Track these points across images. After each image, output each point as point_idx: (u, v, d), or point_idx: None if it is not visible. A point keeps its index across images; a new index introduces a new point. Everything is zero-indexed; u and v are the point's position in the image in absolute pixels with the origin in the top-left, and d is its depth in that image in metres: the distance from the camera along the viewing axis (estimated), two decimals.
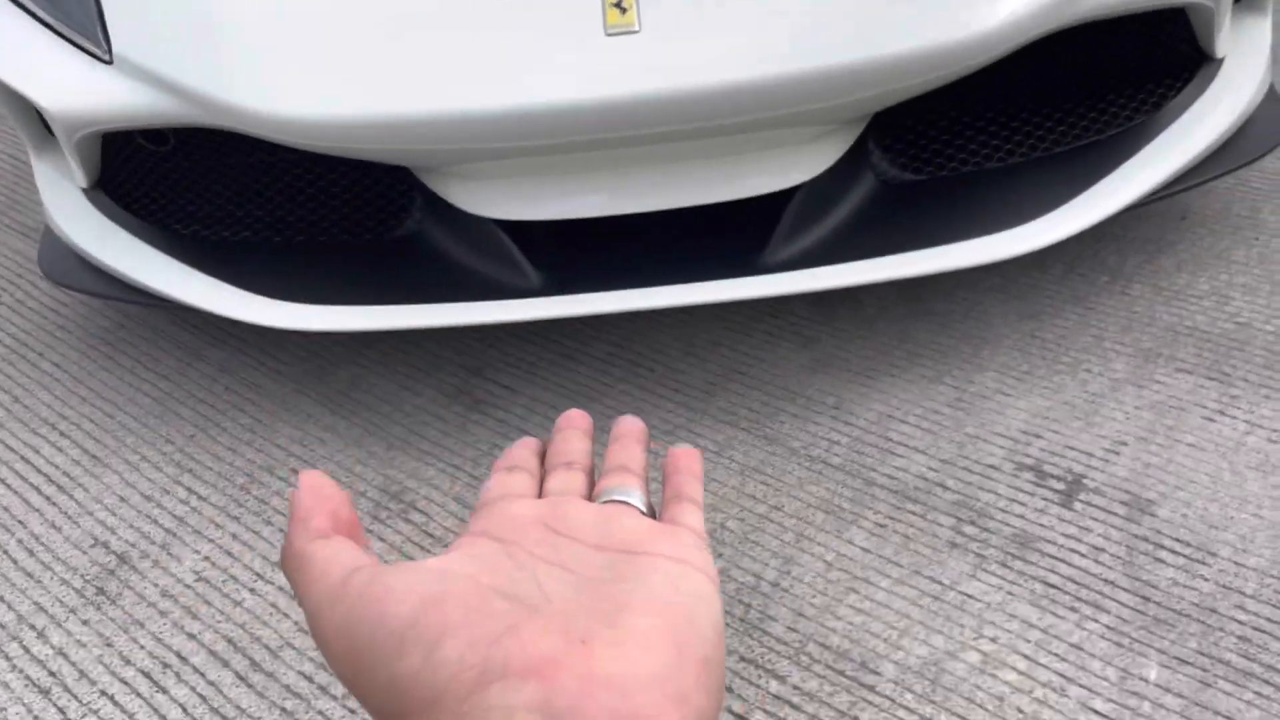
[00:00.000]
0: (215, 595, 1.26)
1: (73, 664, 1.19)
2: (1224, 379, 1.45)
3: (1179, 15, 1.48)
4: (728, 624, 1.16)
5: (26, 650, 1.21)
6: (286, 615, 1.22)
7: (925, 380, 1.51)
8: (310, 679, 1.14)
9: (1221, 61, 1.53)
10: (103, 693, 1.15)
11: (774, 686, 1.09)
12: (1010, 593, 1.16)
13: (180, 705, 1.12)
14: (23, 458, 1.52)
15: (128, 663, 1.18)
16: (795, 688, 1.08)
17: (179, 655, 1.18)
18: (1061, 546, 1.21)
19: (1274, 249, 1.72)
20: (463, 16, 1.29)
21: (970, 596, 1.16)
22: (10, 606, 1.27)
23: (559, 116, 1.24)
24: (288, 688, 1.13)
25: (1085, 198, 1.39)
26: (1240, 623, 1.10)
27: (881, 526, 1.27)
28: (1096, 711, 1.03)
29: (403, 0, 1.31)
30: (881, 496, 1.31)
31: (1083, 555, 1.20)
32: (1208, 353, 1.50)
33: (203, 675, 1.16)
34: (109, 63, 1.39)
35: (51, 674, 1.18)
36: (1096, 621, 1.12)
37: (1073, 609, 1.14)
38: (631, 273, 1.38)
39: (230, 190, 1.51)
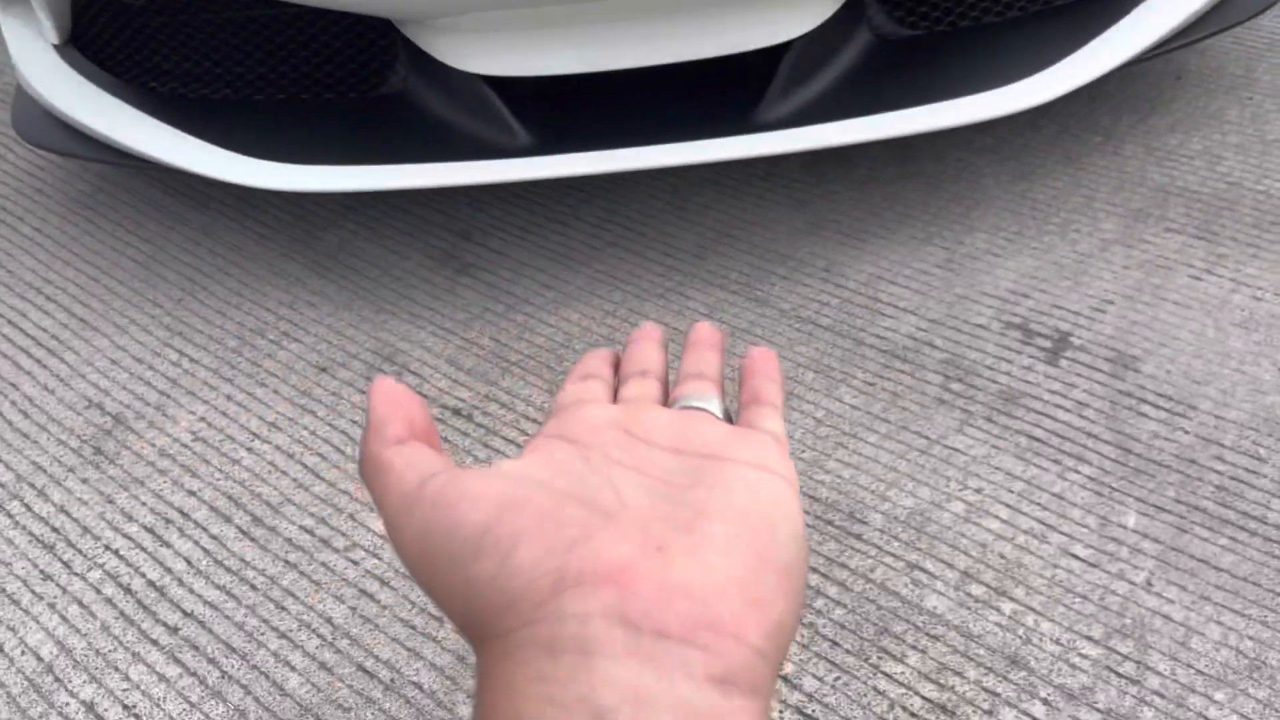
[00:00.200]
0: (213, 454, 1.27)
1: (75, 520, 1.20)
2: (1212, 238, 1.46)
3: None
4: None
5: (28, 508, 1.23)
6: (285, 473, 1.24)
7: (916, 241, 1.51)
8: (311, 533, 1.16)
9: None
10: (106, 547, 1.17)
11: None
12: (995, 446, 1.19)
13: (185, 558, 1.15)
14: (10, 322, 1.52)
15: (130, 519, 1.20)
16: None
17: (180, 511, 1.20)
18: (1046, 402, 1.24)
19: (1267, 109, 1.70)
20: None
21: (956, 450, 1.19)
22: (9, 466, 1.28)
23: None
24: (290, 540, 1.16)
25: (1083, 53, 1.37)
26: (1218, 473, 1.14)
27: (870, 385, 1.29)
28: (1076, 556, 1.06)
29: None
30: (870, 356, 1.33)
31: (1067, 410, 1.23)
32: (1197, 212, 1.51)
33: (205, 530, 1.18)
34: None
35: (55, 530, 1.20)
36: (1078, 473, 1.15)
37: (1055, 461, 1.17)
38: (623, 132, 1.35)
39: (208, 46, 1.47)
